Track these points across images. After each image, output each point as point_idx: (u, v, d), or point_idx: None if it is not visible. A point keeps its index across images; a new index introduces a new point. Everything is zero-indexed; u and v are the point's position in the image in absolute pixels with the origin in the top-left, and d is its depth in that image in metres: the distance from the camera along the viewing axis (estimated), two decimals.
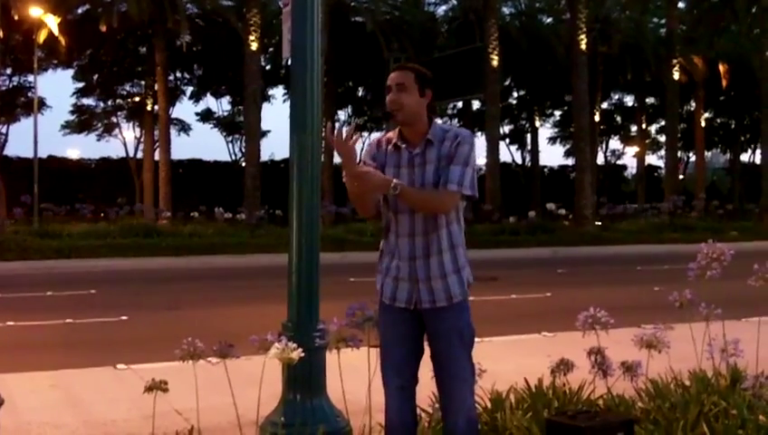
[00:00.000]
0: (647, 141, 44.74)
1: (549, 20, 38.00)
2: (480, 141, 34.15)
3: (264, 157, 35.82)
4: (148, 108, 34.44)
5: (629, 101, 45.71)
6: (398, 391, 3.39)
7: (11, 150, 35.76)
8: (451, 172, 3.29)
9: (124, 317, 9.84)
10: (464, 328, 3.38)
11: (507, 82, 39.02)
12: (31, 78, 31.87)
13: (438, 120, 3.51)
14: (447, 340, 3.36)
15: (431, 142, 3.35)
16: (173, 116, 37.02)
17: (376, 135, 3.56)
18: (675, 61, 33.20)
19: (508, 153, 44.74)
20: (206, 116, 41.84)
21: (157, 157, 32.58)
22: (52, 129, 65.21)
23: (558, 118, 45.88)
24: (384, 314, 3.45)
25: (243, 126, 33.04)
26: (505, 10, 35.33)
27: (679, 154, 40.47)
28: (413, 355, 3.41)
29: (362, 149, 3.66)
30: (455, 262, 3.36)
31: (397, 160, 3.39)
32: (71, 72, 35.80)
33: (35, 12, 24.32)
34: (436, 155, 3.34)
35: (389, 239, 3.42)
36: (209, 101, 41.50)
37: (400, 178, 3.30)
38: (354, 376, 4.13)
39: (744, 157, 48.25)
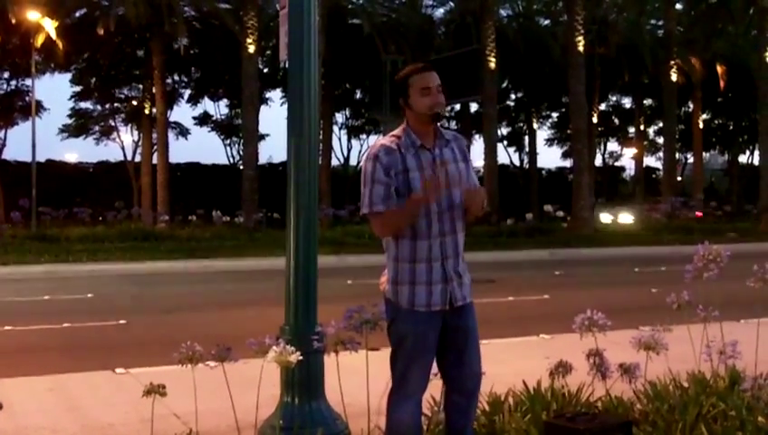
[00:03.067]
0: (644, 143, 44.77)
1: (546, 22, 38.02)
2: (478, 143, 34.28)
3: (263, 160, 35.87)
4: (146, 111, 34.41)
5: (627, 102, 45.82)
6: (420, 396, 3.40)
7: (9, 154, 35.89)
8: (472, 176, 3.44)
9: (122, 321, 9.83)
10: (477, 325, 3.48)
11: (505, 84, 39.06)
12: (28, 82, 31.92)
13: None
14: (474, 336, 3.43)
15: (446, 142, 3.41)
16: (171, 119, 37.04)
17: (380, 141, 3.46)
18: (672, 62, 33.19)
19: (506, 155, 44.83)
20: (203, 119, 41.84)
21: (155, 160, 32.57)
22: (49, 132, 65.32)
23: (555, 119, 45.95)
24: (416, 323, 3.33)
25: (240, 129, 33.04)
26: (502, 12, 35.36)
27: (677, 155, 40.51)
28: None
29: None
30: (464, 261, 3.47)
31: (421, 162, 3.33)
32: (68, 75, 35.83)
33: (33, 15, 24.30)
34: (451, 155, 3.39)
35: (408, 244, 3.32)
36: (207, 105, 41.55)
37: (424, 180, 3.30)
38: (353, 379, 4.11)
39: (742, 158, 48.40)
